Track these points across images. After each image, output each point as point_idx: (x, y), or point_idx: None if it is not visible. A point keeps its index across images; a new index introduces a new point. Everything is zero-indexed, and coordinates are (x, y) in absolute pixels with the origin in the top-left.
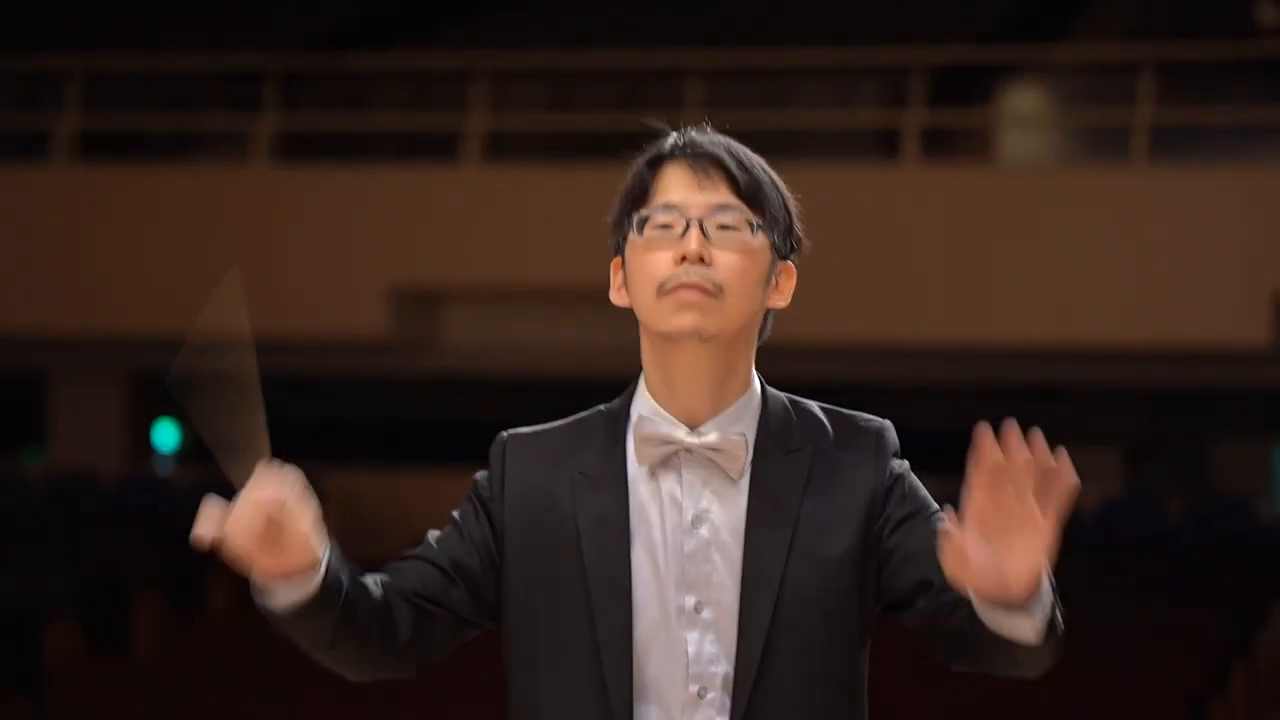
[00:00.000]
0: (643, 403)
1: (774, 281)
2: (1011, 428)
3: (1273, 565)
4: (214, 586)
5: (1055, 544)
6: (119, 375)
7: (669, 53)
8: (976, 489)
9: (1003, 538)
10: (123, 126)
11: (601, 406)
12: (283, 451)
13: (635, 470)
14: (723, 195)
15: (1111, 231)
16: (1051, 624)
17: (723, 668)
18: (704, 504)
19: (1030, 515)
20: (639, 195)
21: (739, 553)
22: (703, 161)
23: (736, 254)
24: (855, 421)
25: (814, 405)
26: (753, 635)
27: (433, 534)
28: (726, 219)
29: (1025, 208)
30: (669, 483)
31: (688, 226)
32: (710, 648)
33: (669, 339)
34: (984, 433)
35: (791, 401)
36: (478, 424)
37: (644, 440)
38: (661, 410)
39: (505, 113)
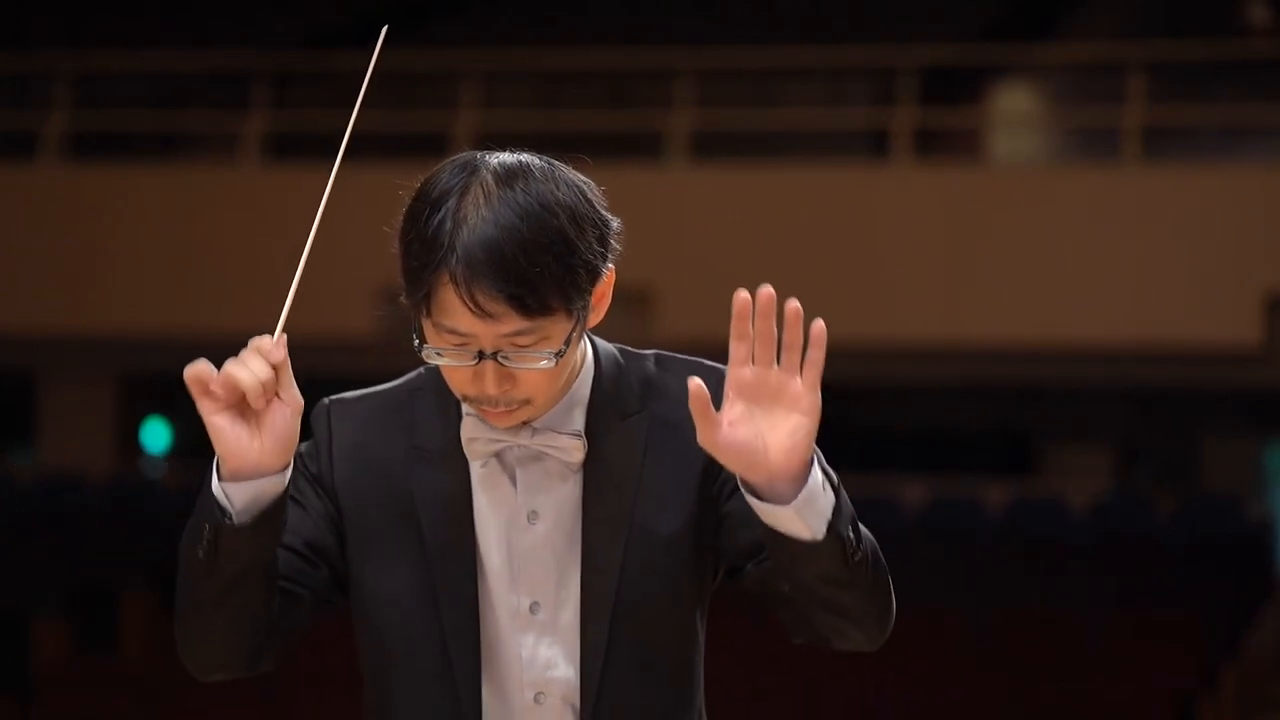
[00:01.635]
0: None
1: (595, 309)
2: (766, 290)
3: (1262, 565)
4: None
5: (817, 419)
6: (107, 375)
7: (658, 52)
8: (733, 352)
9: (766, 414)
10: (111, 126)
11: (424, 368)
12: None
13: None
14: (511, 324)
15: (1102, 231)
16: (834, 528)
17: (561, 672)
18: (539, 499)
19: (788, 379)
20: (416, 301)
21: (576, 549)
22: (479, 291)
23: (539, 374)
24: (691, 371)
25: (649, 358)
26: (594, 638)
27: None
28: (521, 342)
29: (1015, 208)
30: (501, 475)
31: (480, 356)
32: (547, 651)
33: None
34: (742, 304)
35: (624, 356)
36: None
37: (470, 441)
38: None
39: (494, 112)
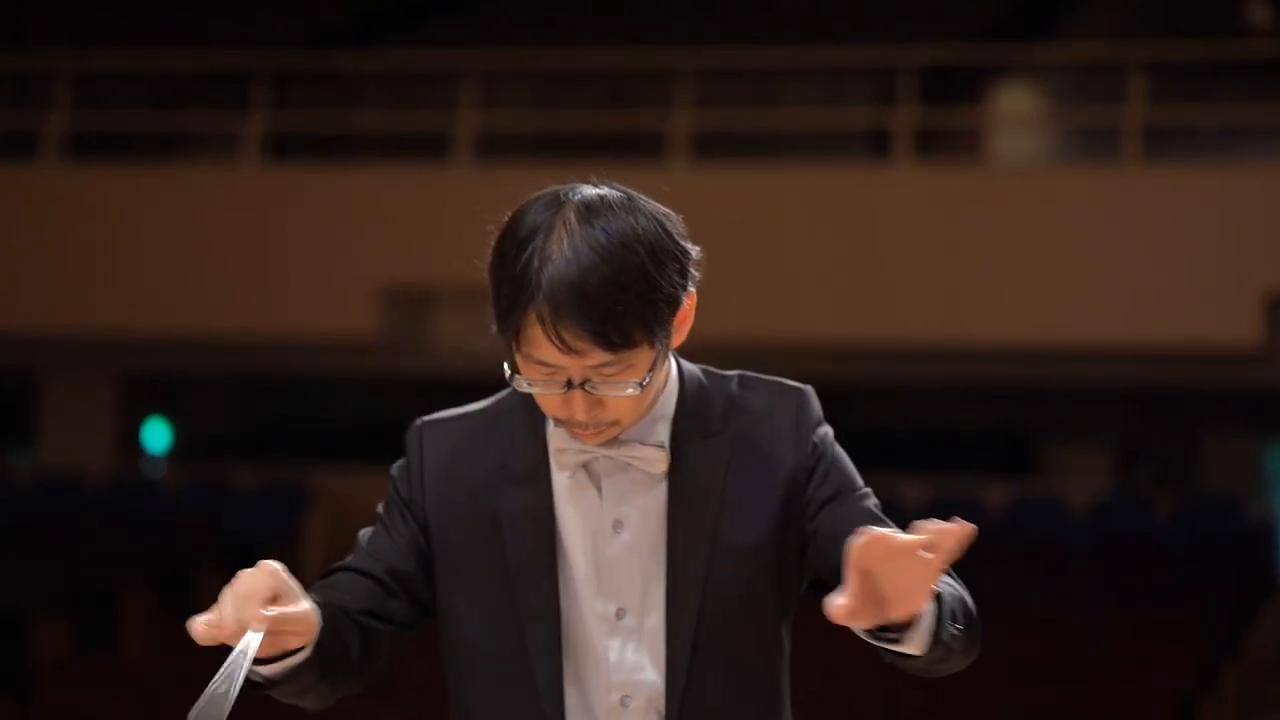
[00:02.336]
0: None
1: (678, 331)
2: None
3: (1261, 565)
4: (202, 586)
5: (936, 581)
6: (108, 375)
7: (658, 52)
8: (858, 568)
9: (889, 581)
10: (112, 126)
11: (513, 389)
12: (273, 451)
13: (556, 468)
14: (596, 358)
15: (1102, 231)
16: (939, 636)
17: (648, 676)
18: (624, 508)
19: (922, 566)
20: (506, 337)
21: (661, 557)
22: (565, 330)
23: (626, 398)
24: (772, 390)
25: (732, 379)
26: (679, 644)
27: (364, 534)
28: (607, 372)
29: (1016, 208)
30: (589, 485)
31: (569, 385)
32: (633, 656)
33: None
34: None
35: (708, 377)
36: None
37: (559, 452)
38: None
39: (494, 112)
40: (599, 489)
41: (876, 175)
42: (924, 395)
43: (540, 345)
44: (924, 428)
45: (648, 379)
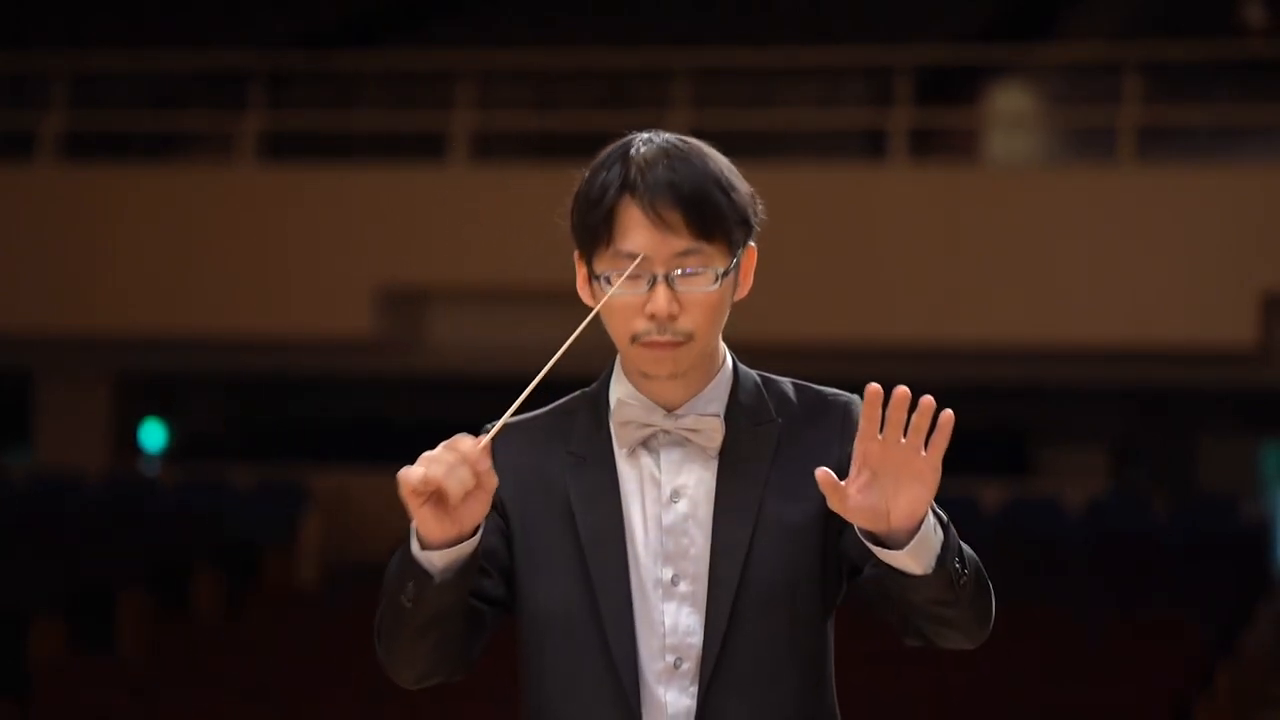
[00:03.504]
0: (620, 387)
1: (738, 281)
2: (900, 388)
3: (1258, 564)
4: (199, 586)
5: (935, 490)
6: (104, 375)
7: (655, 52)
8: (863, 427)
9: (893, 482)
10: (108, 126)
11: (580, 391)
12: (270, 451)
13: (618, 449)
14: (683, 240)
15: (1098, 231)
16: (943, 562)
17: (698, 638)
18: (681, 479)
19: (913, 455)
20: (597, 228)
21: (711, 525)
22: (659, 202)
23: (702, 300)
24: (824, 396)
25: (785, 382)
26: (720, 603)
27: None
28: (690, 263)
29: (1012, 208)
30: (648, 460)
31: (654, 280)
32: (687, 619)
33: (646, 376)
34: (873, 393)
35: (762, 378)
36: (464, 424)
37: (623, 425)
38: (638, 394)
39: (491, 112)
40: (658, 463)
41: (873, 175)
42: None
43: (633, 227)
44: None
45: (725, 273)
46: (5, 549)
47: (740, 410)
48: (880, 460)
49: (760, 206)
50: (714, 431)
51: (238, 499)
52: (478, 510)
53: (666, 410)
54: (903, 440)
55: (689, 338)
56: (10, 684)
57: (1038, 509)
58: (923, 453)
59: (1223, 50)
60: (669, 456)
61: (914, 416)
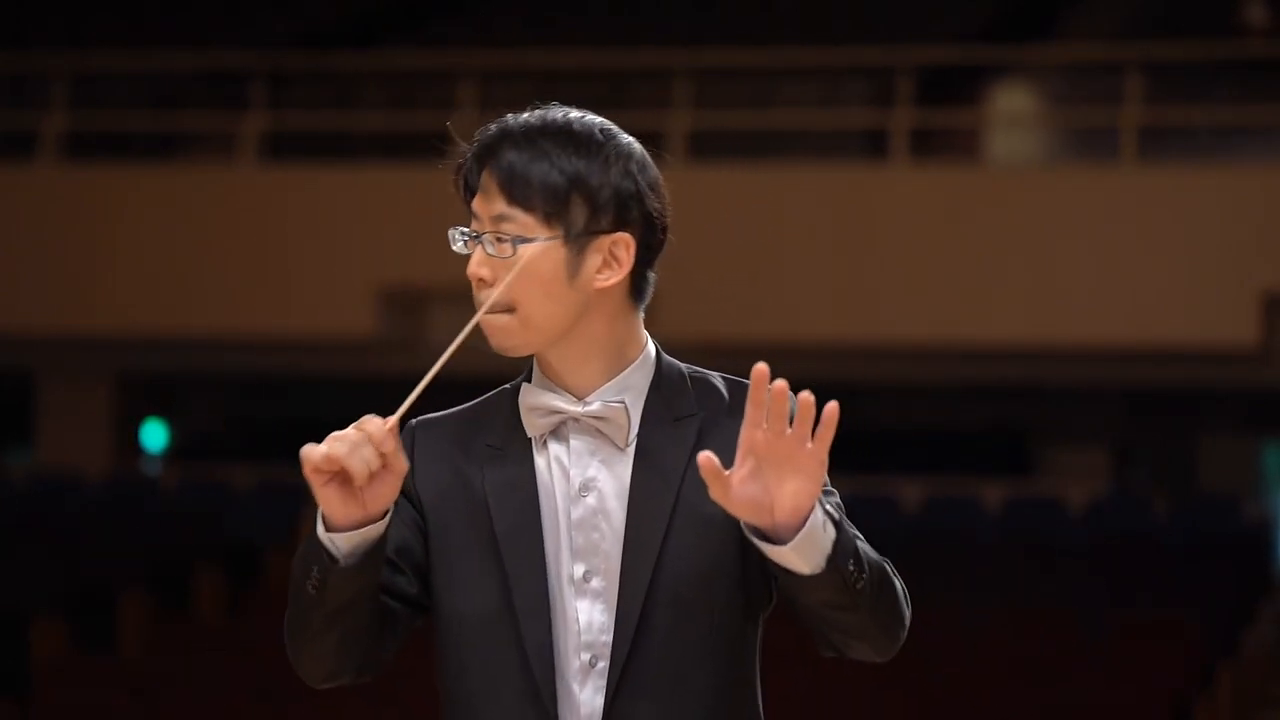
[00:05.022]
0: (535, 376)
1: (600, 261)
2: (779, 380)
3: (1258, 564)
4: (200, 586)
5: (820, 484)
6: (106, 375)
7: (655, 52)
8: (747, 423)
9: (776, 474)
10: (109, 126)
11: (506, 385)
12: (270, 451)
13: (535, 441)
14: (497, 205)
15: (1099, 231)
16: (833, 561)
17: (610, 636)
18: (590, 472)
19: (797, 446)
20: (459, 181)
21: (623, 520)
22: (488, 165)
23: (507, 266)
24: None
25: (716, 376)
26: (630, 601)
27: None
28: (504, 229)
29: (1012, 208)
30: (558, 449)
31: (476, 238)
32: (600, 617)
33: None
34: (759, 374)
35: (691, 371)
36: None
37: (529, 411)
38: (550, 383)
39: (491, 112)
40: (567, 453)
41: (874, 175)
42: (921, 395)
43: (474, 187)
44: (921, 428)
45: (522, 240)
46: (5, 549)
47: (659, 402)
48: (765, 450)
49: (660, 204)
50: (621, 419)
51: (239, 499)
52: (385, 493)
53: (578, 397)
54: (788, 431)
55: (508, 307)
56: (10, 684)
57: (1038, 509)
58: (809, 444)
59: (1223, 50)
60: (579, 446)
61: (798, 409)
